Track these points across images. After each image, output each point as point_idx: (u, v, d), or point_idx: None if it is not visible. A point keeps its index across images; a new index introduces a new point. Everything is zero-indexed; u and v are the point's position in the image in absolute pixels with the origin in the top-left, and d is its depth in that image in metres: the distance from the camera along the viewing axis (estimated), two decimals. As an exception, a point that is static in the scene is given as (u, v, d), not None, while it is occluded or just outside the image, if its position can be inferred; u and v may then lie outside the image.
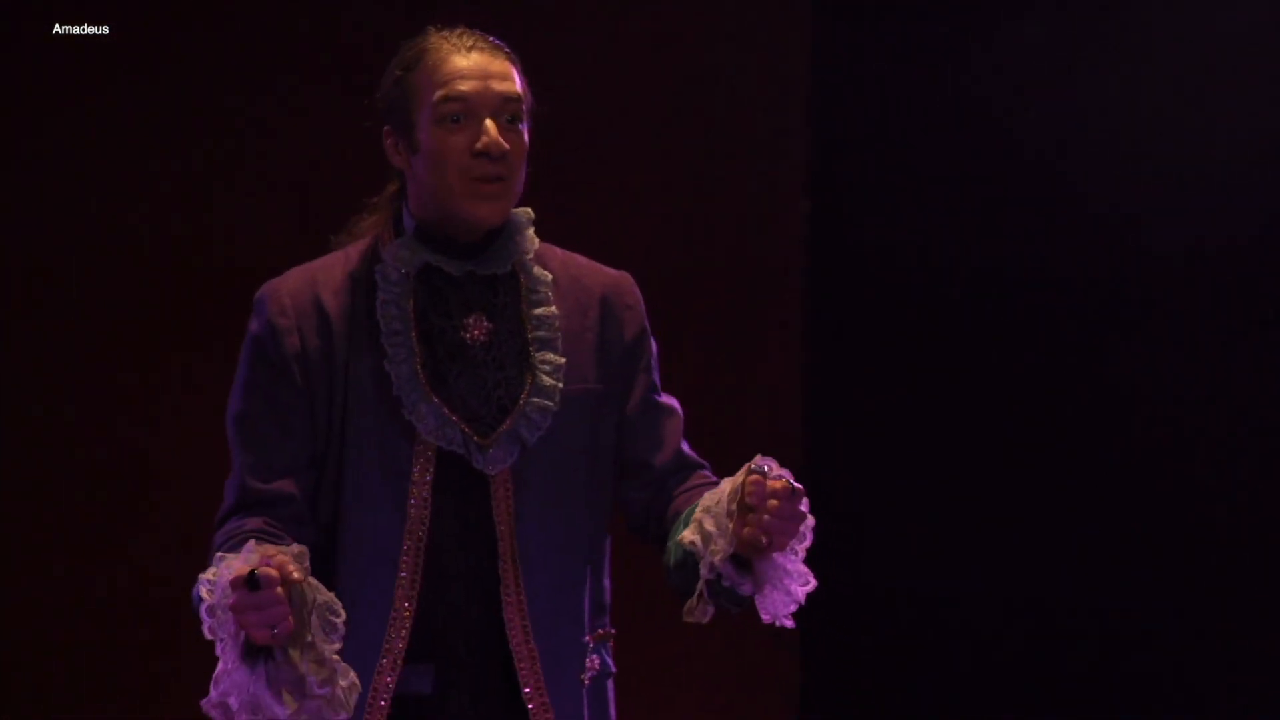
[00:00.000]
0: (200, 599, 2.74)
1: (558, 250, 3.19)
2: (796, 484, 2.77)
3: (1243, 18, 5.41)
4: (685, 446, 3.18)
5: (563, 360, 3.08)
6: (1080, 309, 5.56)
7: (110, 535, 5.52)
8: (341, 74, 5.53)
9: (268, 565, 2.69)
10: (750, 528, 2.76)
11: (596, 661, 3.12)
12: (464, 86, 3.04)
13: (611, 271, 3.21)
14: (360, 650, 2.92)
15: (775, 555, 2.81)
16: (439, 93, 3.04)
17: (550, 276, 3.12)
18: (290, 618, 2.69)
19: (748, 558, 2.82)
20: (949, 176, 5.62)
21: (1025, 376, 5.59)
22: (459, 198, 3.03)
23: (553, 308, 3.10)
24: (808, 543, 2.83)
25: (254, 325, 3.07)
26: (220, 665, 2.74)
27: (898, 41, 5.65)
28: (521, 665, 3.00)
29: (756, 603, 2.85)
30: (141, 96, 5.48)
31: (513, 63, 3.10)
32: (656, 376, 3.19)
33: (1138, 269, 5.52)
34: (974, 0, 5.60)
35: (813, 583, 2.85)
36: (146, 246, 5.51)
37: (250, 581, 2.66)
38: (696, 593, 2.86)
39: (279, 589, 2.68)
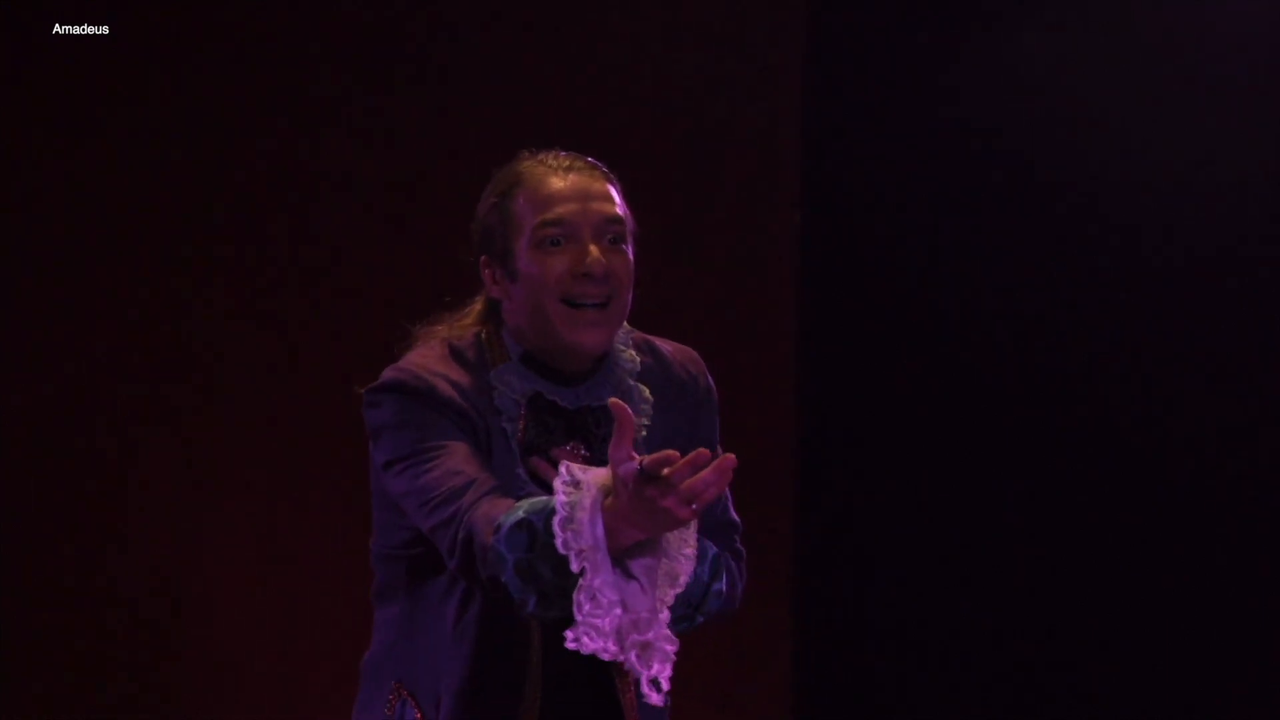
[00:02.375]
0: (560, 513, 2.63)
1: (638, 337, 3.10)
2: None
3: (1242, 26, 5.43)
4: (730, 506, 3.13)
5: None
6: (1075, 312, 5.56)
7: (110, 536, 5.52)
8: (342, 74, 5.54)
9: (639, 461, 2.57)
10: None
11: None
12: (563, 209, 2.94)
13: (686, 354, 3.14)
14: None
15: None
16: (538, 217, 2.95)
17: (650, 398, 3.04)
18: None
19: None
20: (941, 184, 5.63)
21: (1020, 379, 5.59)
22: (559, 325, 2.94)
23: (643, 431, 3.00)
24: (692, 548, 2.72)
25: (404, 379, 2.93)
26: (586, 588, 2.61)
27: (891, 51, 5.66)
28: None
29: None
30: (141, 96, 5.49)
31: (611, 183, 3.01)
32: (719, 448, 3.11)
33: (1134, 272, 5.52)
34: (969, 9, 5.62)
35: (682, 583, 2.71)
36: (145, 246, 5.51)
37: (650, 471, 2.55)
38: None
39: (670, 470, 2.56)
